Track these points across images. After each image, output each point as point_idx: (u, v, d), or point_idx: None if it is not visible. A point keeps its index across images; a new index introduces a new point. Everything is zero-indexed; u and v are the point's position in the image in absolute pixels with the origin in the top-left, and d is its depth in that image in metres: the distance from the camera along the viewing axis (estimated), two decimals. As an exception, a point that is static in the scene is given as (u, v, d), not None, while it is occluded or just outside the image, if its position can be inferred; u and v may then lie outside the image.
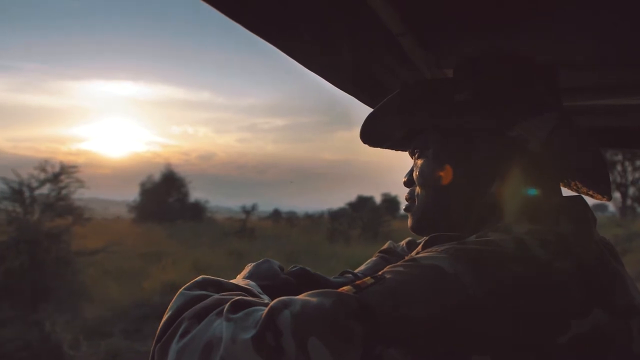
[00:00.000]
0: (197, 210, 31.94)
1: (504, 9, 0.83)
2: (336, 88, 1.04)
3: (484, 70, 0.78)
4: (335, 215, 20.44)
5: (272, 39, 0.75)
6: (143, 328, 6.85)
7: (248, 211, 21.04)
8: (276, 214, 28.99)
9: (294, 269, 0.88)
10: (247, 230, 19.24)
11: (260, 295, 0.72)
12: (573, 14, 0.84)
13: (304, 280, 0.86)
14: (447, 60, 1.05)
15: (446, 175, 0.78)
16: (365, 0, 0.78)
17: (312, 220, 23.24)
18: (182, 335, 0.59)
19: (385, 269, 0.63)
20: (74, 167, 10.45)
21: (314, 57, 0.89)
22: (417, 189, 0.84)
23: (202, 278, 0.71)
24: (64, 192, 9.67)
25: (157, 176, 34.01)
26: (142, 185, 33.60)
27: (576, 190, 0.81)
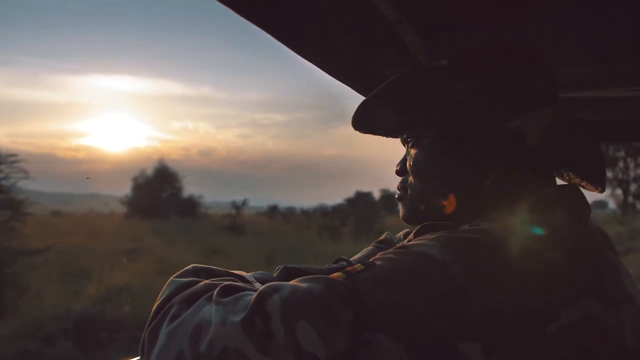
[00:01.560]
0: (191, 206, 31.54)
1: (503, 1, 0.82)
2: (336, 83, 1.03)
3: (483, 62, 0.76)
4: (327, 211, 19.79)
5: (268, 28, 0.75)
6: (47, 350, 5.61)
7: (238, 206, 20.43)
8: (272, 209, 28.61)
9: (279, 270, 0.83)
10: (237, 227, 18.65)
11: (254, 283, 0.72)
12: (570, 6, 0.84)
13: (291, 277, 0.78)
14: (445, 50, 1.02)
15: (441, 175, 0.77)
16: None
17: (307, 216, 22.65)
18: (172, 320, 0.60)
19: (376, 256, 0.63)
20: (14, 155, 9.56)
21: (311, 46, 0.88)
22: (410, 179, 0.81)
23: (193, 266, 0.71)
24: (3, 183, 8.77)
25: (150, 171, 33.59)
26: (135, 179, 33.34)
27: (568, 181, 0.81)
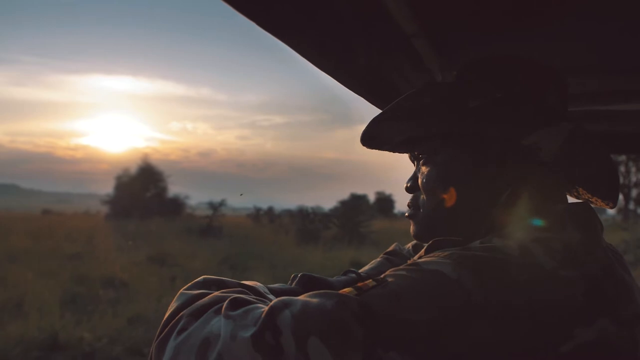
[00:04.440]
0: (175, 206, 30.30)
1: (514, 14, 0.83)
2: (336, 87, 1.03)
3: (497, 76, 0.76)
4: (307, 213, 18.42)
5: (283, 36, 0.73)
6: None
7: (215, 207, 19.14)
8: (257, 211, 27.53)
9: (297, 278, 0.82)
10: (213, 229, 17.36)
11: (267, 295, 0.70)
12: (577, 20, 0.84)
13: (310, 286, 0.81)
14: (460, 64, 0.97)
15: (455, 192, 0.76)
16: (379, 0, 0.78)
17: (293, 218, 21.37)
18: (180, 332, 0.59)
19: (387, 272, 0.62)
20: None
21: (326, 57, 0.85)
22: (423, 196, 0.80)
23: (203, 278, 0.70)
24: None
25: (134, 170, 32.46)
26: (118, 178, 32.10)
27: (577, 197, 0.81)
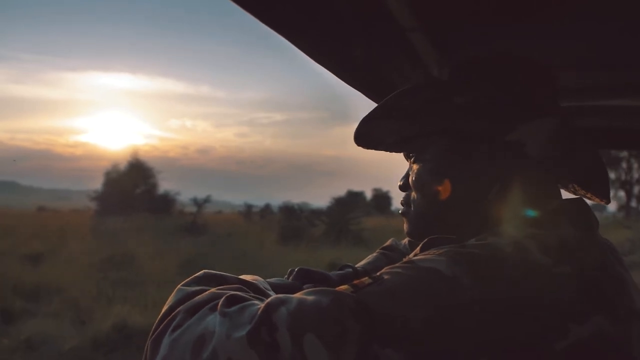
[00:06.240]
0: (165, 203, 29.58)
1: (514, 13, 0.84)
2: (336, 85, 1.06)
3: (483, 73, 0.77)
4: (293, 210, 17.60)
5: (283, 30, 0.73)
6: None
7: (200, 204, 18.35)
8: (248, 208, 26.86)
9: (295, 272, 0.83)
10: (196, 227, 16.59)
11: (267, 291, 0.70)
12: (577, 20, 0.85)
13: (307, 280, 0.83)
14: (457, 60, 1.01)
15: (444, 189, 0.76)
16: None
17: (284, 214, 20.57)
18: (175, 329, 0.59)
19: (383, 270, 0.63)
20: None
21: (326, 51, 0.85)
22: (413, 194, 0.82)
23: (203, 272, 0.70)
24: None
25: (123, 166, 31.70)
26: (107, 174, 31.35)
27: (573, 193, 0.81)
